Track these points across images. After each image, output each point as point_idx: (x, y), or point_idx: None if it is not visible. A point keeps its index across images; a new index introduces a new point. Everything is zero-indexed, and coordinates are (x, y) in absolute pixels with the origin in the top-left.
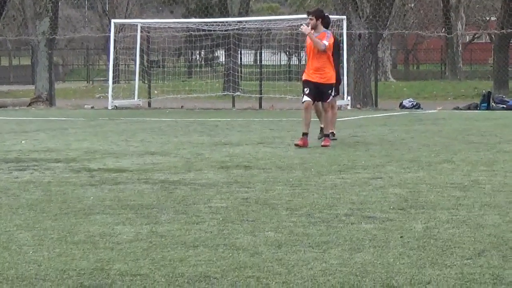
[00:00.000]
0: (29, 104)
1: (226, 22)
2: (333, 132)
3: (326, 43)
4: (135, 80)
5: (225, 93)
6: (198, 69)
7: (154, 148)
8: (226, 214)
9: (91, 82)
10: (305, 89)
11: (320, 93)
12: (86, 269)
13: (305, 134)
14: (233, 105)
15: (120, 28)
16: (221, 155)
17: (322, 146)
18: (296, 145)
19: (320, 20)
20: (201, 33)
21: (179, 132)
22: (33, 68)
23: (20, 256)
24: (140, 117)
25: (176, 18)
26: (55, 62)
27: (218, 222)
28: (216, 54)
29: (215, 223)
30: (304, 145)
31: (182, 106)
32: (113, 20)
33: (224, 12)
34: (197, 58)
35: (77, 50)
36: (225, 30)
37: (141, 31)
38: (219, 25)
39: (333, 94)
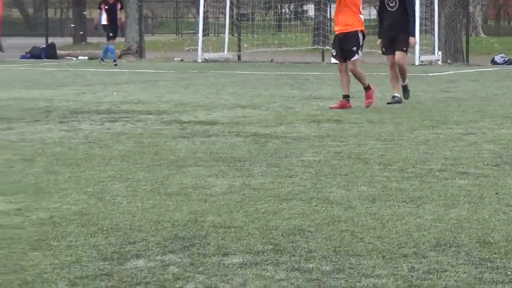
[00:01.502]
0: (119, 56)
1: None
2: (403, 88)
3: None
4: (224, 33)
5: (314, 47)
6: (287, 23)
7: (244, 101)
8: (319, 168)
9: (180, 34)
10: (333, 51)
11: (343, 51)
12: (180, 221)
13: (345, 97)
14: (323, 59)
15: None
16: (312, 109)
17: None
18: (332, 108)
19: None
20: None
21: (269, 85)
22: None
23: (114, 207)
24: (229, 70)
25: None
26: (145, 14)
27: (310, 176)
28: (305, 8)
29: (308, 176)
30: (342, 107)
31: (272, 60)
32: None
33: None
34: (286, 12)
35: (166, 3)
36: None
37: None
38: None
39: (359, 51)
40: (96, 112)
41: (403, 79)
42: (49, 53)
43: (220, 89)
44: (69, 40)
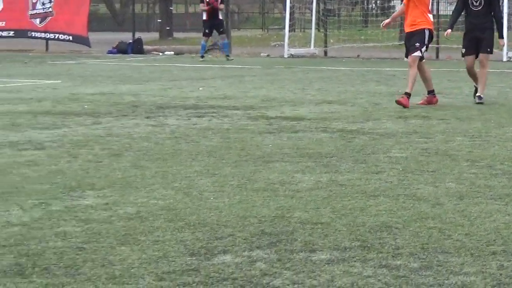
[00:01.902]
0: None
1: None
2: (479, 96)
3: None
4: (311, 28)
5: (401, 43)
6: (374, 18)
7: (331, 97)
8: (406, 164)
9: (266, 30)
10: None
11: (407, 47)
12: (267, 217)
13: (430, 92)
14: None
15: None
16: (399, 105)
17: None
18: (419, 104)
19: None
20: None
21: (355, 81)
22: None
23: (201, 202)
24: (316, 66)
25: None
26: (231, 10)
27: (398, 172)
28: (392, 3)
29: (395, 173)
30: (429, 103)
31: (358, 55)
32: None
33: None
34: (373, 7)
35: None
36: None
37: None
38: None
39: (422, 49)
40: (183, 107)
41: (481, 87)
42: (136, 48)
43: (307, 84)
44: (156, 35)
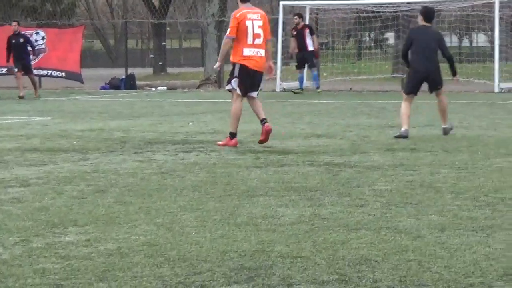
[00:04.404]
0: (198, 86)
1: (395, 3)
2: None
3: None
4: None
5: (394, 75)
6: (367, 51)
7: (320, 131)
8: (390, 197)
9: None
10: None
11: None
12: (247, 251)
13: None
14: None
15: (289, 10)
16: (387, 138)
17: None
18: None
19: None
20: (370, 14)
21: (346, 114)
22: (203, 50)
23: (183, 237)
24: (308, 99)
25: (344, 0)
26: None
27: (381, 205)
28: (386, 36)
29: (379, 206)
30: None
31: (350, 89)
32: (281, 2)
33: None
34: (367, 40)
35: None
36: (394, 12)
37: (309, 13)
38: (388, 6)
39: None
40: (171, 142)
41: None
42: (129, 83)
43: (297, 118)
44: (150, 70)
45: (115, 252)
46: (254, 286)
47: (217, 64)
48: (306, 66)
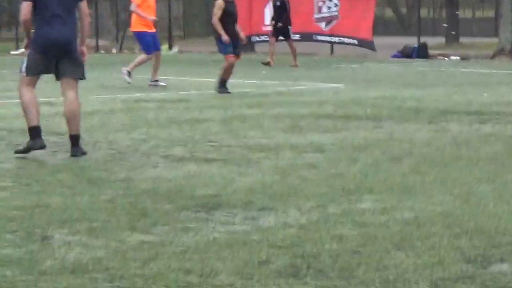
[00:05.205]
0: (492, 57)
1: None
2: None
3: None
4: None
5: None
6: None
7: None
8: None
9: None
10: None
11: None
12: None
13: None
14: None
15: None
16: None
17: None
18: None
19: None
20: None
21: None
22: (497, 20)
23: (480, 209)
24: None
25: None
26: None
27: None
28: None
29: None
30: None
31: None
32: None
33: None
34: None
35: None
36: None
37: None
38: None
39: None
40: (466, 113)
41: None
42: (421, 52)
43: None
44: (442, 39)
45: (412, 221)
46: None
47: None
48: None
